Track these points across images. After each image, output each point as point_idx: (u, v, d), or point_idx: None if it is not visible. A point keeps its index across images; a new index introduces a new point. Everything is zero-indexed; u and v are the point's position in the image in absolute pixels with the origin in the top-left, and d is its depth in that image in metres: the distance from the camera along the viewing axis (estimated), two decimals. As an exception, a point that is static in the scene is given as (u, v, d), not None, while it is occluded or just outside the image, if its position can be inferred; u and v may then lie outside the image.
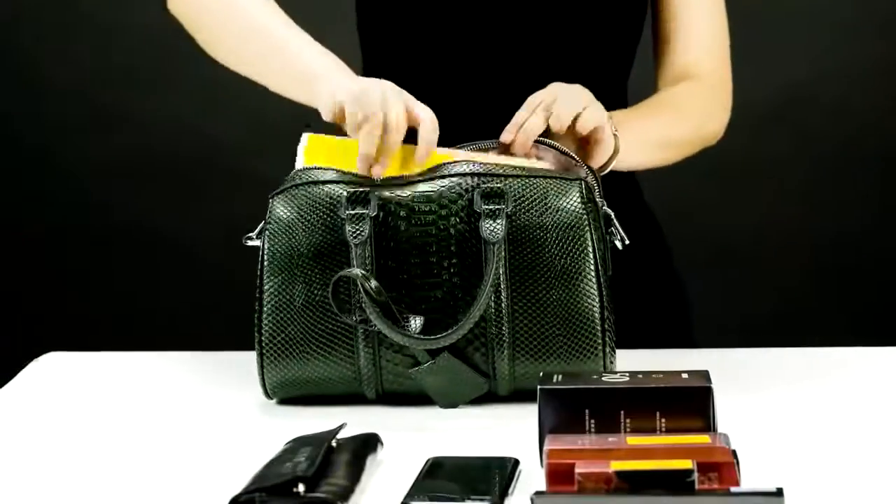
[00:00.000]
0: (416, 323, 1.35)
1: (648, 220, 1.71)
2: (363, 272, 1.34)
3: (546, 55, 1.60)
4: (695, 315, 1.75)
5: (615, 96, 1.63)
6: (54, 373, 1.55)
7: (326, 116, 1.43)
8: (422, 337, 1.34)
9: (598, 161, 1.45)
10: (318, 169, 1.41)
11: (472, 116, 1.54)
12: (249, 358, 1.44)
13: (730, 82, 1.69)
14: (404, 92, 1.41)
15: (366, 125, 1.37)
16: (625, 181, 1.65)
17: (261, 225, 1.41)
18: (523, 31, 1.59)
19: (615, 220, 1.40)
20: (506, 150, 1.43)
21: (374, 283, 1.34)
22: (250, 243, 1.41)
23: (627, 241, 1.41)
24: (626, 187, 1.66)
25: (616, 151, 1.47)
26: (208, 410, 1.41)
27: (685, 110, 1.63)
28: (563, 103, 1.42)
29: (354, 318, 1.35)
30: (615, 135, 1.46)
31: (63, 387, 1.50)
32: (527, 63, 1.59)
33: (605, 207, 1.40)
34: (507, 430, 1.31)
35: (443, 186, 1.37)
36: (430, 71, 1.61)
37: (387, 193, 1.37)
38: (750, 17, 3.00)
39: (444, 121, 1.42)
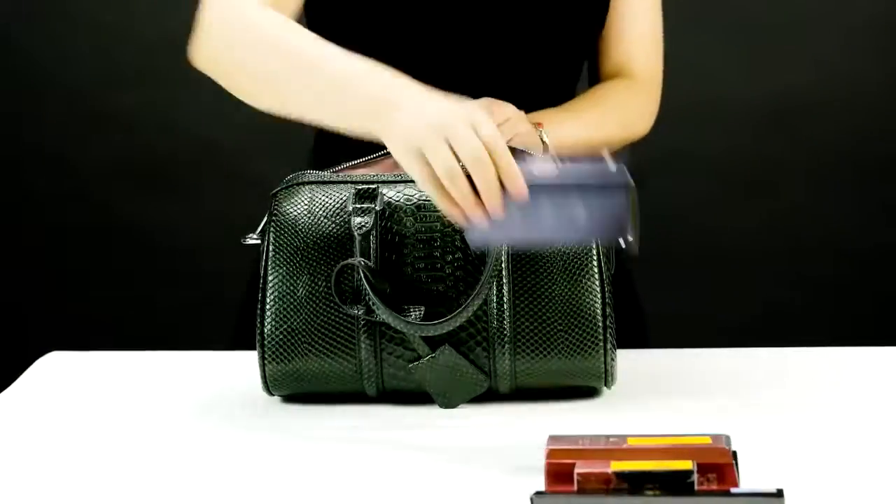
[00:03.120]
0: (415, 314, 1.35)
1: None
2: (365, 261, 1.35)
3: (503, 51, 1.60)
4: (648, 315, 1.74)
5: (566, 90, 1.66)
6: (57, 373, 1.55)
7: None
8: (421, 323, 1.34)
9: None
10: (324, 171, 1.41)
11: None
12: (250, 357, 1.44)
13: (660, 80, 1.70)
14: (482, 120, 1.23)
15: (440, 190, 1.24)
16: None
17: (263, 223, 1.41)
18: (481, 27, 1.59)
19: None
20: None
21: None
22: (250, 242, 1.42)
23: (630, 239, 1.41)
24: None
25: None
26: (209, 410, 1.41)
27: (613, 112, 1.65)
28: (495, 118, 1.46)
29: (356, 309, 1.35)
30: (544, 142, 1.51)
31: (66, 386, 1.50)
32: (483, 59, 1.59)
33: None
34: (508, 430, 1.31)
35: None
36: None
37: (394, 190, 1.38)
38: (750, 21, 3.01)
39: None
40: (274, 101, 1.39)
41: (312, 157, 1.71)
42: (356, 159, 1.44)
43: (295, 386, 1.39)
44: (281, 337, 1.38)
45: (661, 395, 1.41)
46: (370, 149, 1.44)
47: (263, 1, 1.44)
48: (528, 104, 1.56)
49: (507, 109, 1.51)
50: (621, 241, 1.30)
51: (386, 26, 1.58)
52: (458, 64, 1.58)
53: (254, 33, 1.40)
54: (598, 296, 1.36)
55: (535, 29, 1.60)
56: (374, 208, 1.36)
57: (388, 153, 1.41)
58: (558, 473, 1.11)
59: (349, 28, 1.59)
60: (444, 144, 1.21)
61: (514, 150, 1.45)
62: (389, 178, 1.40)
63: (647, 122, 1.69)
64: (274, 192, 1.42)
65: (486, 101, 1.50)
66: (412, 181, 1.39)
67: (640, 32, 1.67)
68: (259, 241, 1.41)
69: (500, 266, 1.36)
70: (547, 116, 1.56)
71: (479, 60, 1.58)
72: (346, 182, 1.40)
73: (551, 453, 1.12)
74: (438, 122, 1.22)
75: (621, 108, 1.66)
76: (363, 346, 1.37)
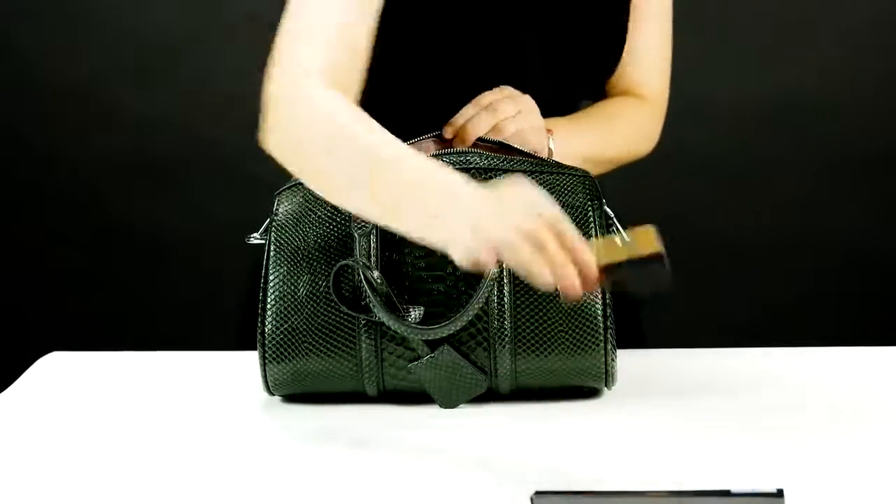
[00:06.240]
0: (415, 313, 1.35)
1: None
2: (365, 261, 1.35)
3: (530, 62, 1.60)
4: (645, 314, 1.74)
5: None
6: (58, 373, 1.55)
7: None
8: (421, 326, 1.34)
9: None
10: None
11: (444, 113, 1.52)
12: (250, 358, 1.44)
13: (666, 103, 1.70)
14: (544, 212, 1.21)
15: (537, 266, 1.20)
16: None
17: (266, 223, 1.41)
18: (511, 39, 1.59)
19: (614, 219, 1.41)
20: (446, 144, 1.45)
21: (376, 273, 1.34)
22: (253, 241, 1.42)
23: (628, 239, 1.41)
24: None
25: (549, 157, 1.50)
26: (209, 410, 1.41)
27: (621, 129, 1.64)
28: (506, 109, 1.46)
29: (355, 308, 1.35)
30: (550, 148, 1.50)
31: (67, 387, 1.50)
32: (512, 68, 1.59)
33: (604, 206, 1.40)
34: (508, 430, 1.31)
35: None
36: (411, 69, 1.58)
37: None
38: (749, 21, 3.01)
39: (415, 118, 1.45)
40: (340, 198, 1.33)
41: None
42: None
43: (295, 386, 1.39)
44: (281, 337, 1.38)
45: (661, 396, 1.41)
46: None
47: (330, 80, 1.36)
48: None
49: (524, 101, 1.49)
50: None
51: (414, 32, 1.58)
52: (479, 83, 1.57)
53: (322, 130, 1.33)
54: (599, 296, 1.36)
55: (560, 56, 1.59)
56: (374, 207, 1.36)
57: (422, 139, 1.42)
58: None
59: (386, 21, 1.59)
60: (530, 248, 1.18)
61: (512, 148, 1.45)
62: None
63: (652, 144, 1.69)
64: (277, 191, 1.42)
65: (506, 91, 1.49)
66: None
67: (651, 56, 1.66)
68: (262, 241, 1.41)
69: (501, 266, 1.36)
70: (558, 125, 1.55)
71: (504, 65, 1.57)
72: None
73: None
74: (525, 228, 1.19)
75: (631, 126, 1.65)
76: (364, 345, 1.37)
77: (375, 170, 1.28)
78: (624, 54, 1.65)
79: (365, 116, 1.33)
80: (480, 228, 1.19)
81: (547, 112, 1.53)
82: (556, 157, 1.51)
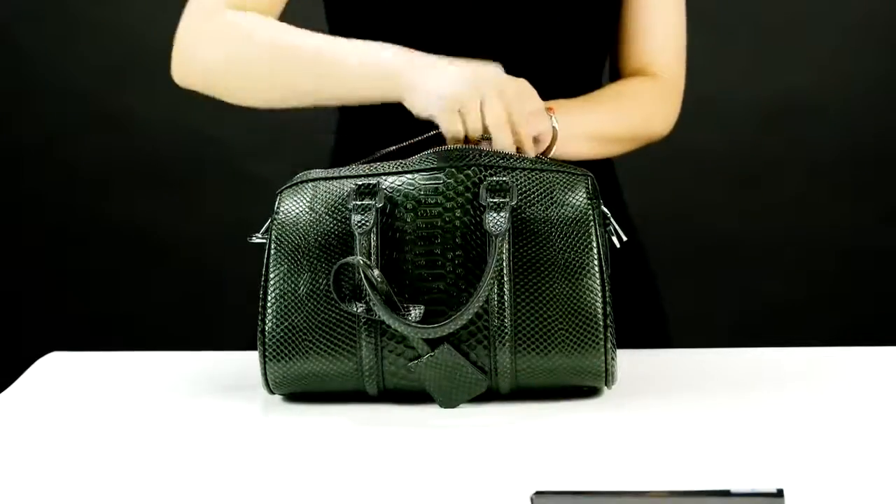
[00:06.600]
0: (415, 312, 1.35)
1: (623, 218, 1.70)
2: (365, 260, 1.34)
3: (519, 43, 1.60)
4: (668, 312, 1.74)
5: (589, 87, 1.65)
6: (58, 373, 1.55)
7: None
8: (421, 325, 1.34)
9: (534, 151, 1.47)
10: (328, 169, 1.42)
11: None
12: (250, 358, 1.44)
13: (682, 83, 1.70)
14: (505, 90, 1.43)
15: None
16: (604, 177, 1.64)
17: (268, 222, 1.42)
18: (497, 19, 1.59)
19: (612, 218, 1.41)
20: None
21: (376, 271, 1.34)
22: (255, 240, 1.42)
23: (625, 239, 1.41)
24: (603, 183, 1.65)
25: (554, 141, 1.50)
26: (210, 409, 1.41)
27: (631, 106, 1.64)
28: (517, 112, 1.45)
29: (356, 307, 1.35)
30: (554, 127, 1.50)
31: (66, 387, 1.50)
32: (500, 51, 1.59)
33: (601, 205, 1.40)
34: (509, 429, 1.31)
35: (450, 178, 1.38)
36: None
37: (395, 184, 1.38)
38: (750, 20, 3.01)
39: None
40: (273, 94, 1.53)
41: (332, 159, 1.70)
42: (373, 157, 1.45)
43: (296, 384, 1.39)
44: (281, 335, 1.38)
45: (661, 395, 1.41)
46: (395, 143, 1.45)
47: (240, 9, 1.55)
48: (546, 96, 1.54)
49: (518, 85, 1.48)
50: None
51: (404, 16, 1.58)
52: (471, 52, 1.58)
53: (241, 35, 1.53)
54: (599, 295, 1.36)
55: (547, 13, 1.59)
56: (374, 205, 1.36)
57: (421, 139, 1.44)
58: None
59: (368, 18, 1.59)
60: (478, 106, 1.41)
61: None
62: (392, 170, 1.40)
63: (667, 124, 1.68)
64: (279, 189, 1.43)
65: (499, 78, 1.47)
66: (414, 171, 1.39)
67: (661, 34, 1.66)
68: (264, 241, 1.41)
69: (502, 265, 1.36)
70: (559, 103, 1.55)
71: (493, 47, 1.58)
72: (347, 177, 1.40)
73: None
74: (476, 86, 1.42)
75: (642, 103, 1.64)
76: (364, 344, 1.37)
77: (306, 55, 1.50)
78: (632, 34, 1.65)
79: (277, 23, 1.54)
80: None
81: (557, 83, 1.53)
82: (561, 136, 1.50)
